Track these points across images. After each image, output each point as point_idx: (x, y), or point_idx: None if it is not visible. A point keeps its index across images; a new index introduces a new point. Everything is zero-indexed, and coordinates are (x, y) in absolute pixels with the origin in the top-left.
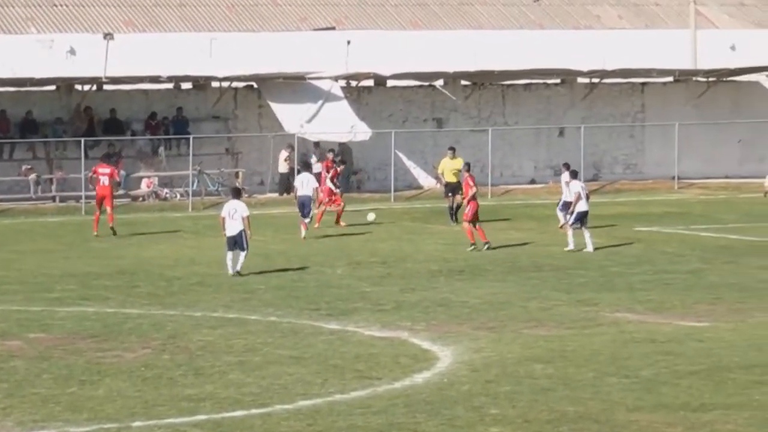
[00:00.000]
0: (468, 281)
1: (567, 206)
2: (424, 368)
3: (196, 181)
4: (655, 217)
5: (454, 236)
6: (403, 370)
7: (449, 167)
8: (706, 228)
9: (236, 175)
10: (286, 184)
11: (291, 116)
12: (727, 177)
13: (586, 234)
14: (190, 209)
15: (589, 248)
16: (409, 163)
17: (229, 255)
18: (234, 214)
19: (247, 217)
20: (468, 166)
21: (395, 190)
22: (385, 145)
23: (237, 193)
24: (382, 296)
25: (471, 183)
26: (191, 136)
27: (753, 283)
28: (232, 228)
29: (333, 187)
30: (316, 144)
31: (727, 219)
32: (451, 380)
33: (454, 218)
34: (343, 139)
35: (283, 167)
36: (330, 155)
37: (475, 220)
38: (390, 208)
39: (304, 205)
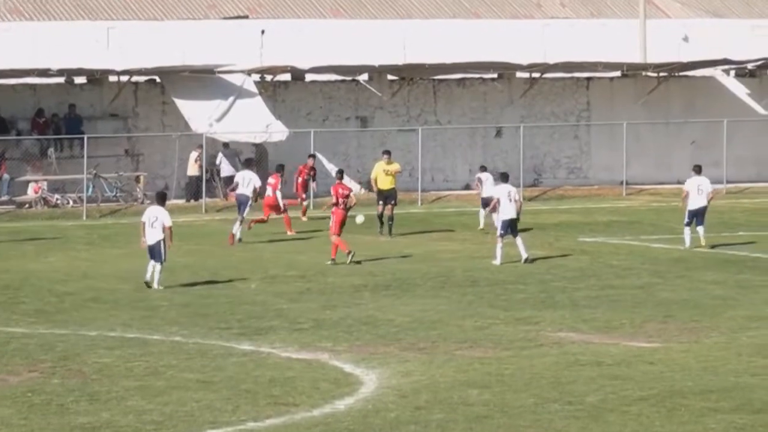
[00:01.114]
0: (396, 297)
1: (486, 203)
2: (346, 394)
3: (91, 186)
4: (602, 226)
5: (381, 248)
6: (323, 395)
7: (384, 172)
8: (658, 239)
9: (137, 179)
10: (195, 188)
11: (198, 114)
12: (679, 182)
13: (518, 241)
14: (84, 217)
15: (523, 254)
16: (330, 167)
17: (150, 266)
18: (154, 222)
19: (170, 227)
20: (341, 174)
21: (314, 196)
22: (304, 147)
23: (161, 199)
24: (301, 314)
25: (341, 191)
26: (85, 136)
27: (708, 300)
28: (152, 237)
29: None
30: (226, 145)
31: (680, 229)
32: (377, 407)
33: (387, 230)
34: (257, 140)
35: (192, 170)
36: (310, 161)
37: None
38: (309, 216)
39: (242, 205)
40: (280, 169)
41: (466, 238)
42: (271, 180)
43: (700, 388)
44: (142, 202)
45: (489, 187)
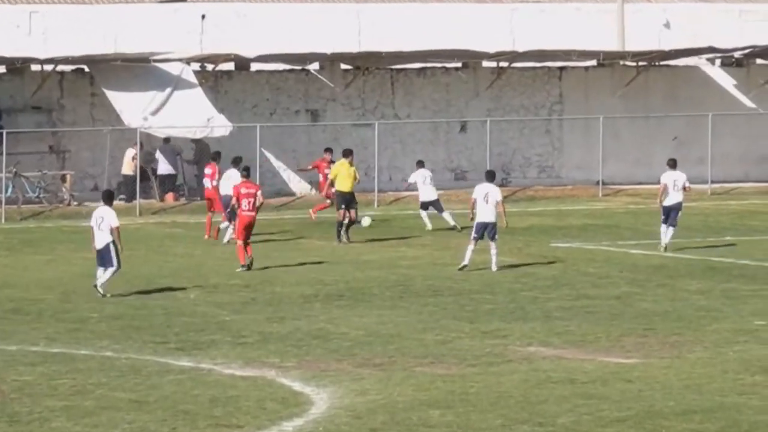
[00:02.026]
0: (349, 308)
1: (425, 206)
2: (294, 414)
3: (10, 185)
4: (576, 230)
5: (334, 254)
6: (269, 416)
7: (345, 174)
8: (637, 244)
9: (62, 178)
10: (131, 189)
11: (132, 107)
12: (660, 182)
13: (492, 249)
14: (2, 220)
15: (493, 266)
16: (278, 164)
17: (99, 272)
18: (101, 224)
19: (117, 228)
20: (247, 172)
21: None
22: (249, 142)
23: (108, 198)
24: (245, 326)
25: (245, 191)
26: (4, 131)
27: (691, 311)
28: (100, 240)
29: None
30: (167, 140)
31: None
32: (328, 429)
33: (346, 236)
34: (197, 135)
35: (127, 168)
36: (327, 155)
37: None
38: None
39: (228, 207)
40: (217, 157)
41: (426, 243)
42: (207, 170)
43: (683, 408)
44: (69, 204)
45: (424, 188)
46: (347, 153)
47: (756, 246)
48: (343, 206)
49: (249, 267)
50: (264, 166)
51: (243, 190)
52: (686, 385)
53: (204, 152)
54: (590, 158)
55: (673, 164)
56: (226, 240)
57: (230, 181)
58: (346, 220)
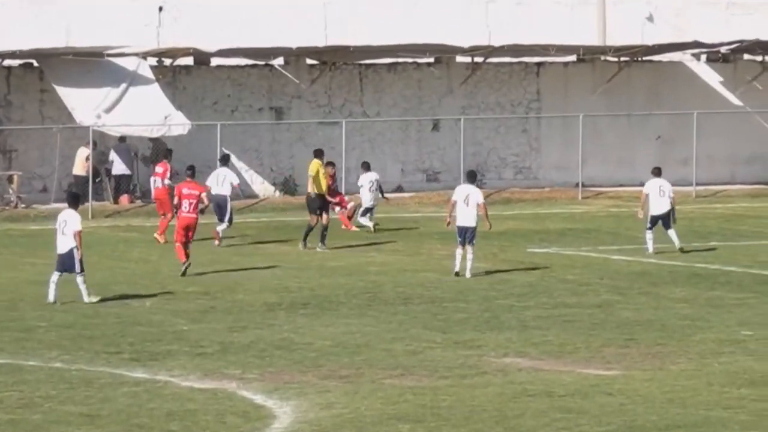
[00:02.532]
0: (315, 317)
1: (368, 211)
2: (256, 429)
3: None
4: (554, 235)
5: (299, 260)
6: (229, 431)
7: (322, 175)
8: (618, 249)
9: (9, 179)
10: (83, 190)
11: (84, 104)
12: (643, 184)
13: (468, 254)
14: None
15: (467, 273)
16: (240, 165)
17: (54, 277)
18: (65, 228)
19: (79, 232)
20: (192, 171)
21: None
22: (209, 141)
23: (73, 200)
24: (204, 336)
25: (188, 192)
26: None
27: (675, 321)
28: (62, 245)
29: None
30: (122, 139)
31: (643, 238)
32: None
33: (322, 238)
34: (154, 134)
35: (79, 168)
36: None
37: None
38: (214, 222)
39: (220, 207)
40: (168, 155)
41: (397, 249)
42: (158, 169)
43: (666, 422)
44: (16, 206)
45: (368, 194)
46: (320, 153)
47: (742, 252)
48: (318, 210)
49: (184, 273)
50: None
51: (185, 191)
52: (669, 398)
53: (161, 152)
54: (569, 159)
55: (657, 172)
56: (217, 243)
57: (220, 179)
58: (324, 221)
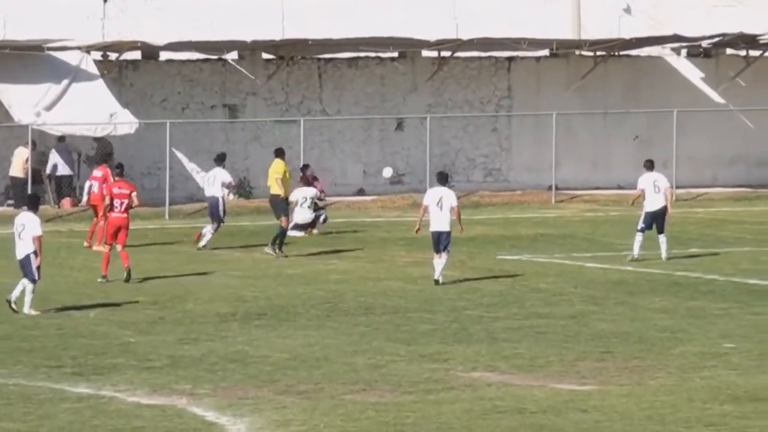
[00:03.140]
0: (271, 328)
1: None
2: None
3: None
4: (526, 240)
5: (255, 267)
6: None
7: (288, 176)
8: (593, 256)
9: None
10: (21, 193)
11: (23, 101)
12: (620, 187)
13: (441, 259)
14: None
15: (437, 274)
16: (191, 166)
17: (20, 285)
18: (22, 232)
19: (38, 237)
20: (121, 170)
21: (171, 203)
22: (158, 141)
23: (32, 203)
24: (152, 349)
25: (118, 191)
26: None
27: (653, 332)
28: (20, 250)
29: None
30: (61, 138)
31: (621, 244)
32: None
33: (279, 247)
34: (99, 133)
35: (17, 170)
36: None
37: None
38: (164, 227)
39: (212, 209)
40: (108, 158)
41: (358, 256)
42: (96, 173)
43: None
44: None
45: (298, 212)
46: (282, 153)
47: (725, 259)
48: (285, 212)
49: (127, 279)
50: (175, 168)
51: (116, 190)
52: (648, 415)
53: (107, 153)
54: (542, 160)
55: (650, 165)
56: (202, 244)
57: (211, 179)
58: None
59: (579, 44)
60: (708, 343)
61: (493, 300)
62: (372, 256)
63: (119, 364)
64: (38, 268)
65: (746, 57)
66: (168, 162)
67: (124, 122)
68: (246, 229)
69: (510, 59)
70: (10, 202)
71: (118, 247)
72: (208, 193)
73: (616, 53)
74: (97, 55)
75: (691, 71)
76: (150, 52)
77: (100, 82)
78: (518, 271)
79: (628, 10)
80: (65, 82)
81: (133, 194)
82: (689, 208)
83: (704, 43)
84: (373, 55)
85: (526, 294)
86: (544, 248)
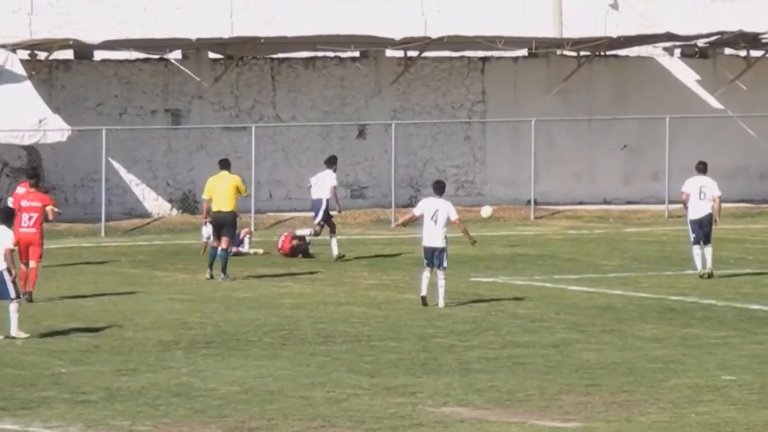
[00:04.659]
0: (220, 358)
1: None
2: None
3: None
4: (502, 261)
5: (201, 290)
6: None
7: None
8: (577, 279)
9: None
10: None
11: None
12: (606, 202)
13: (439, 279)
14: None
15: (440, 301)
16: (129, 178)
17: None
18: None
19: (10, 251)
20: (35, 180)
21: (108, 219)
22: (93, 150)
23: (6, 217)
24: (87, 380)
25: (29, 204)
26: None
27: (644, 363)
28: None
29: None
30: None
31: (607, 265)
32: None
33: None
34: (27, 141)
35: None
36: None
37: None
38: (99, 245)
39: (316, 212)
40: (34, 175)
41: (317, 278)
42: (20, 189)
43: None
44: None
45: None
46: (228, 164)
47: (724, 282)
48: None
49: (29, 299)
50: (111, 180)
51: (24, 203)
52: None
53: (35, 162)
54: (520, 172)
55: (703, 168)
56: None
57: (326, 183)
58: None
59: (561, 43)
60: (705, 375)
61: (466, 327)
62: (331, 278)
63: (50, 398)
64: (13, 282)
65: (747, 58)
66: (104, 173)
67: (54, 129)
68: (191, 248)
69: (484, 59)
70: None
71: (32, 263)
72: (314, 195)
73: (602, 53)
74: (24, 54)
75: (685, 73)
76: (83, 50)
77: (28, 84)
78: (494, 294)
79: (615, 6)
80: None
81: (49, 208)
82: (683, 226)
83: (700, 42)
84: (332, 54)
85: (503, 320)
86: (522, 270)
